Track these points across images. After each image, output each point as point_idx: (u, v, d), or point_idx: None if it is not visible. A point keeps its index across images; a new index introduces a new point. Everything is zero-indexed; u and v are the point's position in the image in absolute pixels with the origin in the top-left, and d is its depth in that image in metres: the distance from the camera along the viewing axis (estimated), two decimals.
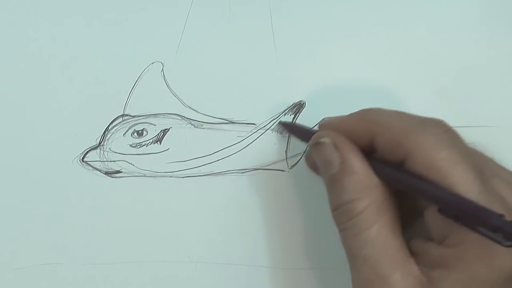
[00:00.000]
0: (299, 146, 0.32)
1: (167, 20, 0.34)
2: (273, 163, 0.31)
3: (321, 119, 0.32)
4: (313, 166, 0.29)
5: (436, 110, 0.32)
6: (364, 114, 0.26)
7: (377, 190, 0.24)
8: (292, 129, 0.31)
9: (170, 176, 0.31)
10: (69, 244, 0.31)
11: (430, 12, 0.34)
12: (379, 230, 0.24)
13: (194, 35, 0.33)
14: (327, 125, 0.28)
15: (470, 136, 0.32)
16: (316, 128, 0.31)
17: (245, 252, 0.31)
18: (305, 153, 0.31)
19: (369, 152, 0.25)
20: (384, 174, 0.25)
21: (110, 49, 0.33)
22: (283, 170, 0.31)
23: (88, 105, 0.32)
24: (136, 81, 0.32)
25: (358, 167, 0.25)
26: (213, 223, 0.31)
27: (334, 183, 0.25)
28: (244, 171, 0.31)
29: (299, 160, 0.31)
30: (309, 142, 0.27)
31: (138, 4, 0.34)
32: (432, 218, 0.24)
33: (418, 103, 0.33)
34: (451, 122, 0.32)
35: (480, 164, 0.24)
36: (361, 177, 0.24)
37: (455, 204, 0.22)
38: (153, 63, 0.33)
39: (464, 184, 0.22)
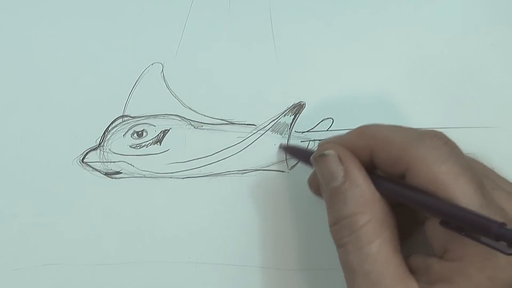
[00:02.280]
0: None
1: (167, 21, 0.33)
2: (273, 164, 0.31)
3: (320, 119, 0.32)
4: (315, 188, 0.29)
5: (436, 111, 0.33)
6: (363, 131, 0.26)
7: (379, 204, 0.24)
8: (292, 151, 0.31)
9: (170, 177, 0.31)
10: (69, 244, 0.31)
11: (430, 13, 0.34)
12: (381, 245, 0.23)
13: (194, 36, 0.33)
14: (327, 143, 0.27)
15: (470, 136, 0.32)
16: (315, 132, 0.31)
17: (245, 253, 0.31)
18: (309, 177, 0.30)
19: (370, 169, 0.25)
20: (386, 189, 0.25)
21: (110, 50, 0.33)
22: (283, 171, 0.31)
23: (88, 106, 0.32)
24: (136, 82, 0.32)
25: (362, 180, 0.24)
26: (213, 224, 0.31)
27: (336, 196, 0.25)
28: (244, 172, 0.31)
29: (298, 161, 0.31)
30: (313, 154, 0.27)
31: (137, 4, 0.34)
32: (433, 231, 0.24)
33: (418, 103, 0.33)
34: (451, 122, 0.32)
35: (480, 176, 0.24)
36: (364, 190, 0.24)
37: (457, 215, 0.22)
38: (153, 64, 0.33)
39: (465, 196, 0.22)
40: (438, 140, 0.24)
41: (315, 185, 0.29)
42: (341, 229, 0.24)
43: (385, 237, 0.24)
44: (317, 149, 0.27)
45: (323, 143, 0.28)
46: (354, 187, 0.24)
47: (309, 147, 0.32)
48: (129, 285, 0.30)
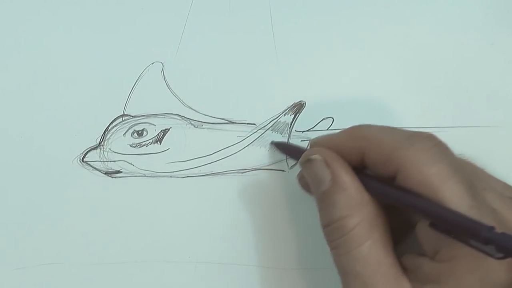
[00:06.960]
0: None
1: (167, 20, 0.34)
2: (273, 163, 0.31)
3: (321, 119, 0.32)
4: (306, 186, 0.29)
5: (436, 110, 0.33)
6: (354, 131, 0.26)
7: (369, 206, 0.24)
8: (284, 149, 0.31)
9: (170, 176, 0.31)
10: (69, 244, 0.31)
11: (429, 13, 0.34)
12: (371, 247, 0.24)
13: (194, 35, 0.33)
14: (317, 143, 0.28)
15: (470, 136, 0.32)
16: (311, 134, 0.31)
17: (245, 252, 0.31)
18: (298, 174, 0.30)
19: (360, 169, 0.25)
20: (375, 190, 0.24)
21: (110, 49, 0.33)
22: (283, 170, 0.31)
23: (88, 105, 0.32)
24: (136, 81, 0.32)
25: (349, 183, 0.24)
26: (213, 223, 0.31)
27: (325, 200, 0.25)
28: (244, 171, 0.31)
29: (292, 159, 0.31)
30: (299, 160, 0.27)
31: (138, 4, 0.34)
32: (424, 232, 0.23)
33: (417, 103, 0.33)
34: (451, 122, 0.32)
35: (471, 176, 0.24)
36: (352, 193, 0.24)
37: (446, 218, 0.21)
38: (153, 63, 0.33)
39: (455, 198, 0.22)
40: (428, 141, 0.24)
41: (304, 182, 0.29)
42: (332, 232, 0.25)
43: (375, 238, 0.24)
44: (304, 153, 0.27)
45: (313, 143, 0.28)
46: (342, 191, 0.24)
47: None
48: (129, 285, 0.30)
